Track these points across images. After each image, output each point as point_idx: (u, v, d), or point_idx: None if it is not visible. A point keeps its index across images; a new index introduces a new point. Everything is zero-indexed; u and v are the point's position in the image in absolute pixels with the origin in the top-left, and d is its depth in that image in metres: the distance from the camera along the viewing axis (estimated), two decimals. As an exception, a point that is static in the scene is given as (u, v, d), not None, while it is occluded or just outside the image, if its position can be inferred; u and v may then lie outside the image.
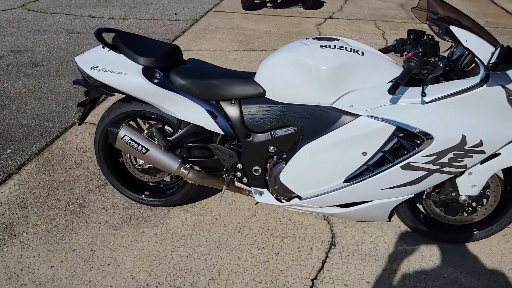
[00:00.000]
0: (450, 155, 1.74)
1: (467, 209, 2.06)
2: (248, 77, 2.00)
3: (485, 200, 2.03)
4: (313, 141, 1.86)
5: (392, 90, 1.59)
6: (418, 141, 1.77)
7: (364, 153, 1.81)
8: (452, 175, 1.83)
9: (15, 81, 4.06)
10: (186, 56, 4.70)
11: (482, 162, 1.85)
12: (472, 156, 1.75)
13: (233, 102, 1.99)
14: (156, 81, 1.99)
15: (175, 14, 6.35)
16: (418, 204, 2.19)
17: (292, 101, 1.90)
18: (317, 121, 1.86)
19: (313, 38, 1.94)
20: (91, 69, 2.04)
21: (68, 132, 3.18)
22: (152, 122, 2.24)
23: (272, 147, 2.01)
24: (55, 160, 2.84)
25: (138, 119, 2.28)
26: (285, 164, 1.97)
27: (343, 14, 6.44)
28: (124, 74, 1.98)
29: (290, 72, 1.85)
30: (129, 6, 6.81)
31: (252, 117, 1.96)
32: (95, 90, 2.12)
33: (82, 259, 2.06)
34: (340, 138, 1.81)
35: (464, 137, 1.69)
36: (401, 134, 1.77)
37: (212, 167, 2.17)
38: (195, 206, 2.43)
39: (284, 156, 2.02)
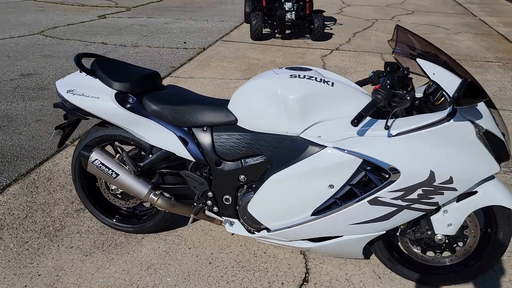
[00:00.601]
0: (419, 191, 1.66)
1: (445, 249, 1.95)
2: (221, 104, 1.99)
3: (464, 241, 1.92)
4: (281, 171, 1.81)
5: (355, 122, 1.54)
6: (385, 176, 1.70)
7: (331, 186, 1.75)
8: (424, 212, 1.74)
9: (19, 103, 4.17)
10: (187, 84, 4.79)
11: (458, 199, 1.76)
12: (443, 193, 1.66)
13: (205, 129, 1.97)
14: (128, 106, 1.99)
15: (185, 42, 6.49)
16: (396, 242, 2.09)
17: (262, 129, 1.87)
18: (285, 150, 1.82)
19: (286, 68, 1.92)
20: (67, 92, 2.06)
21: (59, 155, 3.21)
22: (129, 147, 2.24)
23: (242, 176, 1.96)
24: (40, 182, 2.85)
25: (116, 143, 2.28)
26: (253, 196, 1.92)
27: (350, 46, 6.46)
28: (97, 98, 1.99)
29: (260, 100, 1.83)
30: (142, 34, 7.01)
31: (223, 144, 1.94)
32: (72, 114, 2.14)
33: (46, 284, 2.02)
34: (306, 168, 1.75)
35: (432, 173, 1.62)
36: (368, 168, 1.71)
37: (183, 194, 2.13)
38: (170, 234, 2.38)
39: (254, 185, 1.97)
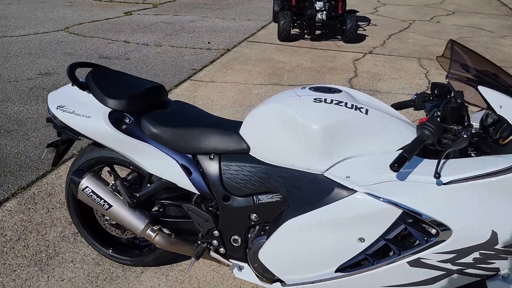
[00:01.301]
0: (476, 254, 1.30)
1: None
2: (232, 128, 1.68)
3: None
4: (299, 215, 1.48)
5: (395, 167, 1.20)
6: (432, 232, 1.35)
7: (362, 239, 1.41)
8: (479, 278, 1.38)
9: (32, 105, 3.99)
10: (207, 88, 4.51)
11: (523, 262, 1.38)
12: (506, 258, 1.30)
13: (212, 157, 1.67)
14: (124, 127, 1.71)
15: (209, 42, 6.21)
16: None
17: (278, 162, 1.54)
18: (306, 190, 1.49)
19: (310, 88, 1.59)
20: (57, 108, 1.80)
21: (64, 166, 2.98)
22: (128, 170, 1.96)
23: (254, 215, 1.65)
24: (40, 197, 2.63)
25: (114, 166, 2.01)
26: (266, 239, 1.60)
27: (385, 49, 6.02)
28: (88, 117, 1.72)
29: (277, 128, 1.51)
30: (166, 33, 6.79)
31: (232, 177, 1.63)
32: (62, 132, 1.88)
33: (27, 326, 1.78)
34: (331, 216, 1.42)
35: (494, 234, 1.26)
36: (410, 221, 1.36)
37: (186, 230, 1.84)
38: (173, 269, 2.10)
39: (267, 227, 1.65)
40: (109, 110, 1.72)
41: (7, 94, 4.21)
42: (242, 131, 1.63)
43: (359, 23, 6.97)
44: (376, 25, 7.62)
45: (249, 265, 1.73)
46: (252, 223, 1.67)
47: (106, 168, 2.03)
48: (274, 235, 1.55)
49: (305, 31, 6.68)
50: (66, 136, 1.92)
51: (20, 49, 5.73)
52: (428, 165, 1.34)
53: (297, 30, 6.89)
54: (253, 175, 1.60)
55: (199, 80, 4.68)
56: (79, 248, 2.22)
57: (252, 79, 4.72)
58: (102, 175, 2.00)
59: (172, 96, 4.21)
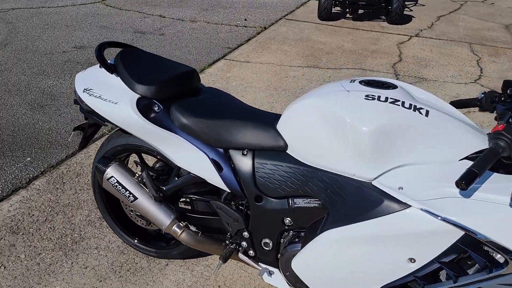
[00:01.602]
0: (551, 292, 1.10)
1: None
2: (269, 121, 1.52)
3: None
4: (340, 226, 1.32)
5: (463, 184, 1.02)
6: (499, 260, 1.16)
7: (412, 260, 1.24)
8: (550, 315, 1.18)
9: (66, 79, 3.95)
10: (241, 69, 4.33)
11: None
12: None
13: (245, 153, 1.52)
14: (152, 115, 1.58)
15: (245, 19, 5.99)
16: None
17: (319, 165, 1.38)
18: (349, 199, 1.32)
19: (361, 82, 1.39)
20: (83, 91, 1.69)
21: (94, 145, 2.92)
22: (155, 163, 1.85)
23: (288, 219, 1.50)
24: (68, 177, 2.58)
25: (141, 154, 1.89)
26: (301, 248, 1.45)
27: (433, 32, 5.61)
28: (115, 103, 1.60)
29: (320, 126, 1.34)
30: (202, 8, 6.60)
31: (266, 176, 1.48)
32: (88, 116, 1.77)
33: (48, 315, 1.73)
34: (378, 232, 1.25)
35: None
36: (472, 244, 1.17)
37: (214, 228, 1.71)
38: (199, 264, 2.00)
39: (301, 235, 1.50)
40: (137, 96, 1.59)
41: (43, 66, 4.19)
42: (280, 126, 1.47)
43: (405, 2, 6.54)
44: (423, 5, 7.13)
45: (280, 272, 1.60)
46: (286, 227, 1.53)
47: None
48: (310, 244, 1.40)
49: (347, 10, 6.33)
50: (92, 120, 1.81)
51: (57, 21, 5.71)
52: (499, 181, 1.14)
53: (339, 8, 6.55)
54: (289, 176, 1.44)
55: (233, 60, 4.50)
56: (104, 234, 2.15)
57: (288, 61, 4.50)
58: (129, 163, 1.90)
59: (205, 76, 4.07)
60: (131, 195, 1.67)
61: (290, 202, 1.48)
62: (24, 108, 3.38)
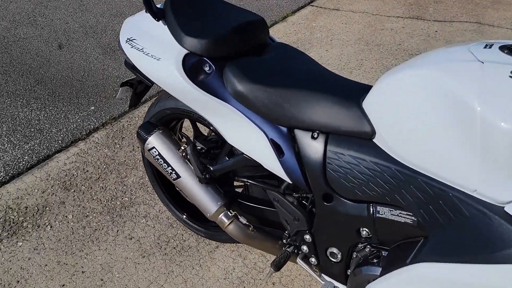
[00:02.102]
0: None
1: None
2: (352, 96, 1.11)
3: None
4: (445, 263, 0.91)
5: None
6: None
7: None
8: None
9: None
10: (329, 18, 3.77)
11: None
12: None
13: (315, 136, 1.13)
14: (201, 77, 1.24)
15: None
16: None
17: (421, 167, 0.95)
18: (463, 226, 0.89)
19: (502, 47, 0.90)
20: (126, 41, 1.39)
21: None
22: (208, 134, 1.54)
23: (366, 230, 1.12)
24: (128, 131, 2.40)
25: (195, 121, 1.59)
26: (381, 274, 1.07)
27: None
28: (157, 59, 1.28)
29: (429, 112, 0.90)
30: None
31: (342, 170, 1.09)
32: (132, 72, 1.49)
33: (85, 290, 1.58)
34: (506, 286, 0.82)
35: None
36: None
37: (269, 222, 1.39)
38: (253, 252, 1.71)
39: (382, 254, 1.11)
40: (184, 52, 1.25)
41: (121, 8, 4.04)
42: (368, 103, 1.05)
43: None
44: None
45: (348, 291, 1.24)
46: (361, 240, 1.15)
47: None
48: (396, 274, 1.01)
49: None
50: (138, 77, 1.53)
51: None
52: None
53: None
54: (373, 175, 1.03)
55: (321, 7, 3.95)
56: (155, 202, 1.95)
57: (386, 10, 3.83)
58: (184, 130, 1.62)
59: (287, 25, 3.60)
60: (174, 172, 1.39)
61: (371, 209, 1.09)
62: (97, 51, 3.26)
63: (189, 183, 1.38)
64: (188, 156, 1.38)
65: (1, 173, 2.10)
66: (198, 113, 1.31)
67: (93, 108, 2.61)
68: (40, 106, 2.61)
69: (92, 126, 2.45)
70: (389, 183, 1.01)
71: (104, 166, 2.16)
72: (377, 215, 1.08)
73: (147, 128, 1.45)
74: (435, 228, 0.96)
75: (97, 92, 2.77)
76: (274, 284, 1.59)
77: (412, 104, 0.93)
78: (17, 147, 2.27)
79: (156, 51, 1.29)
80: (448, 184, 0.91)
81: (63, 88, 2.79)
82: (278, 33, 3.46)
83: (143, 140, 1.43)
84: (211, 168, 1.35)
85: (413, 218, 1.01)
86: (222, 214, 1.36)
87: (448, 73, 0.88)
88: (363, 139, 1.06)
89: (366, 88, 1.14)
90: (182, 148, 1.40)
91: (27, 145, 2.30)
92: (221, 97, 1.22)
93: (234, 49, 1.27)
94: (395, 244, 1.08)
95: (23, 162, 2.18)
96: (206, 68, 1.25)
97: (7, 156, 2.21)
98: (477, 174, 0.85)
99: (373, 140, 1.05)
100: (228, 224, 1.35)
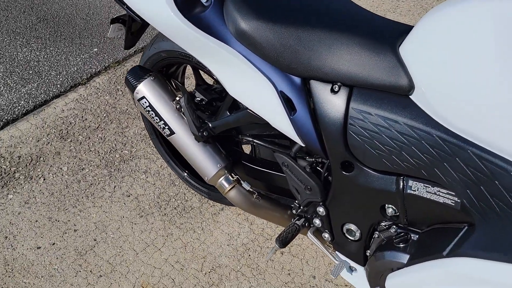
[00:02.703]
0: None
1: None
2: (387, 38, 0.85)
3: None
4: (496, 261, 0.70)
5: None
6: None
7: None
8: None
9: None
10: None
11: None
12: None
13: (336, 89, 0.89)
14: (196, 11, 1.00)
15: None
16: None
17: (476, 136, 0.72)
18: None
19: None
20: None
21: (167, 40, 2.45)
22: (213, 83, 1.30)
23: (392, 208, 0.91)
24: (132, 77, 2.19)
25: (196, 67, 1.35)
26: (408, 262, 0.87)
27: None
28: (145, -11, 1.03)
29: (492, 58, 0.65)
30: None
31: (367, 133, 0.86)
32: (121, 6, 1.24)
33: (76, 251, 1.46)
34: None
35: None
36: None
37: (276, 189, 1.19)
38: (261, 216, 1.54)
39: (411, 238, 0.91)
40: (176, -21, 1.00)
41: None
42: (406, 49, 0.79)
43: None
44: None
45: (367, 276, 1.05)
46: (385, 218, 0.94)
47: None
48: (428, 266, 0.80)
49: None
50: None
51: None
52: None
53: None
54: (409, 142, 0.80)
55: None
56: (157, 156, 1.77)
57: None
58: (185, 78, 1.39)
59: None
60: (167, 127, 1.18)
61: (401, 183, 0.87)
62: (104, -12, 2.98)
63: (185, 141, 1.18)
64: (182, 109, 1.16)
65: (-4, 119, 1.96)
66: (190, 54, 1.08)
67: (96, 49, 2.39)
68: (40, 46, 2.41)
69: (93, 70, 2.25)
70: (428, 154, 0.78)
71: (104, 115, 1.98)
72: (408, 191, 0.86)
73: (137, 73, 1.23)
74: (485, 215, 0.74)
75: (101, 31, 2.53)
76: (282, 254, 1.43)
77: (468, 47, 0.68)
78: (13, 90, 2.11)
79: (143, -22, 1.04)
80: (512, 161, 0.68)
81: (66, 27, 2.57)
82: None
83: (131, 88, 1.22)
84: (210, 125, 1.14)
85: (455, 199, 0.79)
86: (222, 178, 1.16)
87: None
88: (398, 95, 0.82)
89: (405, 29, 0.88)
90: (177, 99, 1.18)
91: (24, 88, 2.13)
92: (220, 37, 0.98)
93: (239, -24, 1.00)
94: (429, 228, 0.87)
95: (19, 107, 2.02)
96: (204, 0, 1.00)
97: (2, 100, 2.05)
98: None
99: (410, 96, 0.81)
100: (229, 190, 1.16)
